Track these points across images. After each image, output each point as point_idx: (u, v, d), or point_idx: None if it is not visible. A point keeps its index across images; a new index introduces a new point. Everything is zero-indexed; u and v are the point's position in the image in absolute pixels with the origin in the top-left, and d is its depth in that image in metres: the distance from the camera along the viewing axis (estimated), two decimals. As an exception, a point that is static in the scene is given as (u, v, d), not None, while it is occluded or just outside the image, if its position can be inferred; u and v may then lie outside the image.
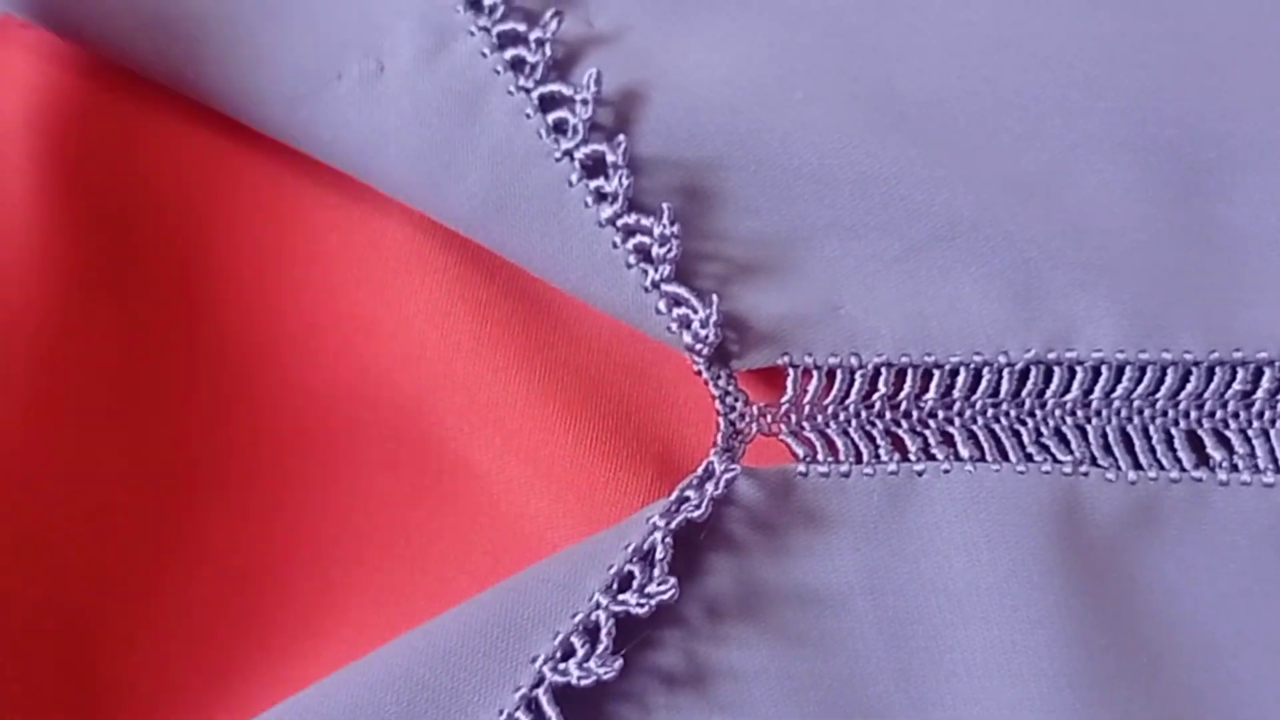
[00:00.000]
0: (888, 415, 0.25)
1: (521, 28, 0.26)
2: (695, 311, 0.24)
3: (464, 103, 0.26)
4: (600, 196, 0.25)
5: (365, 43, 0.27)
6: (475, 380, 0.27)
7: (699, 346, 0.24)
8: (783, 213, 0.25)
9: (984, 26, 0.26)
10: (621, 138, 0.25)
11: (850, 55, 0.26)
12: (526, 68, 0.26)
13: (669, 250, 0.24)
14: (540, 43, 0.26)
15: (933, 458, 0.25)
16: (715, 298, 0.24)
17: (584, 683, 0.22)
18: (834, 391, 0.25)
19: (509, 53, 0.26)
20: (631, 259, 0.25)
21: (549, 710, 0.22)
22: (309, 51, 0.27)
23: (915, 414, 0.25)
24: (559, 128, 0.26)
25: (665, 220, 0.25)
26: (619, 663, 0.22)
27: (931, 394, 0.25)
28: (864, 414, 0.25)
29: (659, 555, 0.23)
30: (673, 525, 0.24)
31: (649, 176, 0.25)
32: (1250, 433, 0.25)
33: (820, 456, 0.25)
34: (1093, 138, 0.26)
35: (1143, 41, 0.26)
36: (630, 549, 0.24)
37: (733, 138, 0.26)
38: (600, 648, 0.23)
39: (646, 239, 0.25)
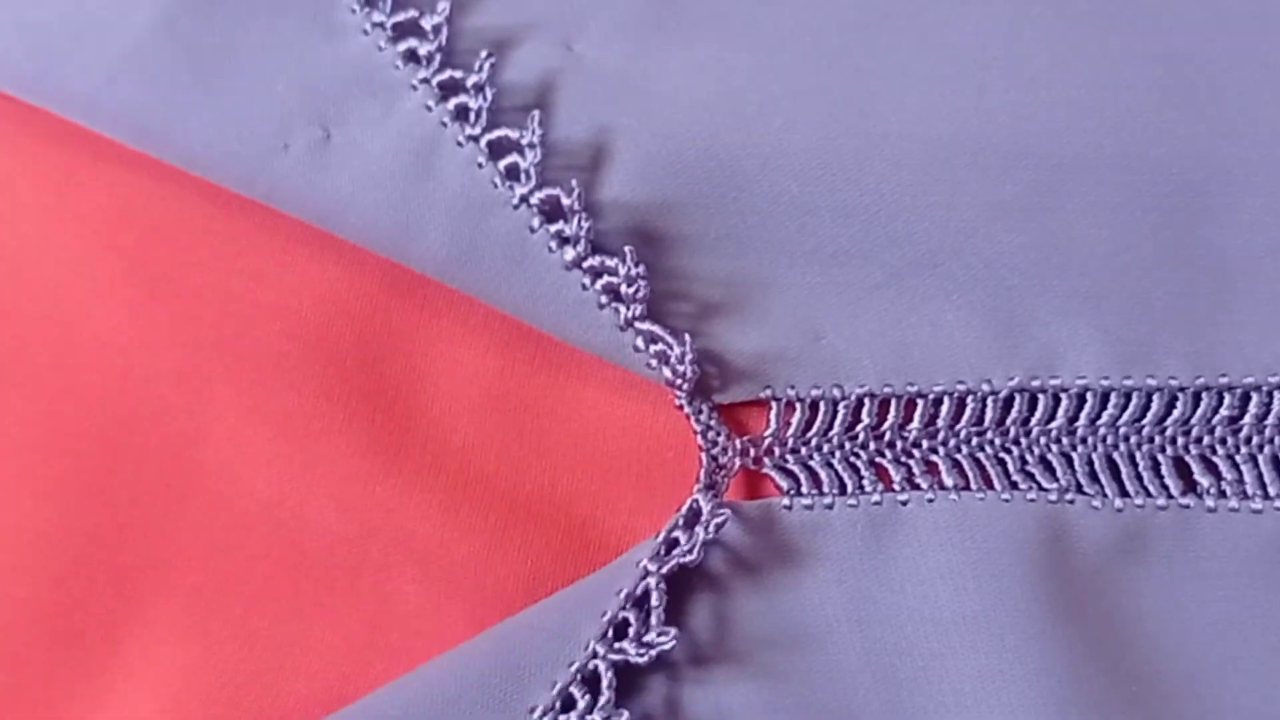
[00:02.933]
0: (871, 446, 0.25)
1: (459, 74, 0.26)
2: (671, 349, 0.24)
3: (416, 160, 0.26)
4: (563, 240, 0.25)
5: (309, 111, 0.26)
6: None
7: (678, 382, 0.25)
8: (763, 240, 0.25)
9: (968, 48, 0.26)
10: (574, 183, 0.25)
11: (832, 78, 0.26)
12: (471, 115, 0.26)
13: (637, 291, 0.24)
14: (479, 88, 0.26)
15: (917, 487, 0.25)
16: (688, 337, 0.24)
17: None
18: (817, 423, 0.25)
19: (453, 102, 0.26)
20: (603, 299, 0.25)
21: None
22: (254, 123, 0.26)
23: (899, 444, 0.25)
24: (512, 174, 0.25)
25: (629, 262, 0.24)
26: (625, 716, 0.23)
27: (915, 424, 0.25)
28: (847, 445, 0.25)
29: (654, 602, 0.23)
30: (664, 570, 0.24)
31: (617, 215, 0.25)
32: (1238, 458, 0.25)
33: (804, 489, 0.25)
34: (1078, 159, 0.25)
35: (1128, 63, 0.26)
36: (623, 595, 0.24)
37: (712, 165, 0.25)
38: (602, 700, 0.23)
39: (615, 279, 0.25)
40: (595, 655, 0.23)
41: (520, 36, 0.27)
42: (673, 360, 0.24)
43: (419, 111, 0.26)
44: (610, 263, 0.25)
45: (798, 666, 0.24)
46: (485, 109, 0.25)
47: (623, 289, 0.25)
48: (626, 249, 0.24)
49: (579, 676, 0.23)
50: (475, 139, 0.25)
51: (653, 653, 0.23)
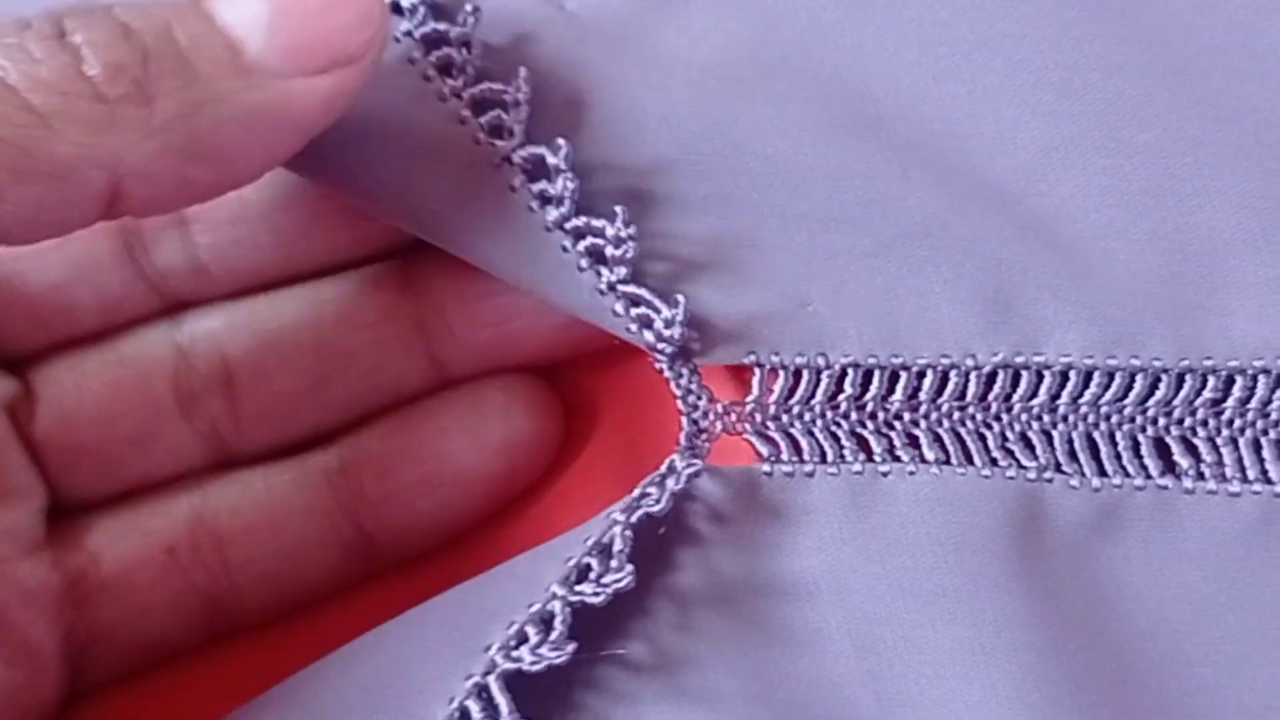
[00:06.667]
0: (853, 416, 0.25)
1: (443, 27, 0.25)
2: (657, 312, 0.24)
3: (396, 113, 0.25)
4: (545, 200, 0.24)
5: None
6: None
7: (661, 346, 0.24)
8: (753, 201, 0.25)
9: (960, 28, 0.26)
10: (561, 141, 0.24)
11: (826, 54, 0.26)
12: (454, 70, 0.25)
13: (624, 252, 0.24)
14: (463, 42, 0.25)
15: (898, 460, 0.25)
16: (681, 299, 0.24)
17: (535, 668, 0.22)
18: (799, 391, 0.25)
19: (435, 55, 0.25)
20: (584, 262, 0.24)
21: (498, 697, 0.22)
22: None
23: (881, 415, 0.25)
24: (495, 131, 0.25)
25: (620, 223, 0.24)
26: (571, 646, 0.22)
27: (898, 396, 0.25)
28: (829, 414, 0.25)
29: (617, 547, 0.23)
30: (632, 519, 0.24)
31: (605, 176, 0.25)
32: (1219, 441, 0.25)
33: (785, 456, 0.25)
34: (1068, 141, 0.25)
35: (1117, 47, 0.26)
36: (590, 542, 0.23)
37: (707, 123, 0.25)
38: (554, 634, 0.22)
39: (599, 241, 0.24)
40: (554, 597, 0.23)
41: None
42: (657, 325, 0.24)
43: (402, 63, 0.25)
44: (596, 224, 0.24)
45: (778, 627, 0.24)
46: (470, 63, 0.25)
47: (608, 250, 0.24)
48: (618, 209, 0.24)
49: (537, 617, 0.23)
50: (458, 94, 0.24)
51: (608, 591, 0.23)
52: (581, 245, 0.24)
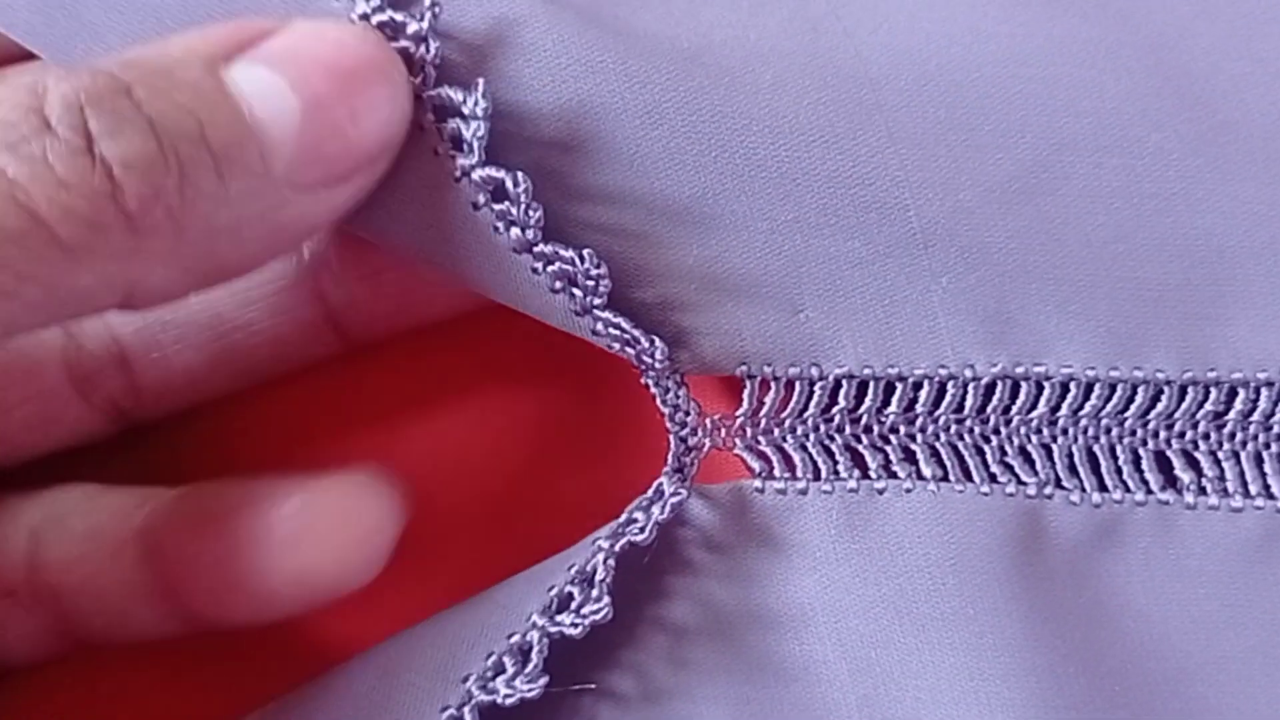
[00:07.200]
0: (847, 429, 0.24)
1: (400, 17, 0.21)
2: (635, 344, 0.23)
3: None
4: (510, 222, 0.22)
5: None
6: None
7: (643, 366, 0.23)
8: (742, 204, 0.23)
9: (963, 19, 0.25)
10: (520, 175, 0.21)
11: (820, 44, 0.24)
12: (413, 66, 0.21)
13: (596, 285, 0.22)
14: (420, 38, 0.21)
15: (894, 475, 0.24)
16: (658, 341, 0.23)
17: (509, 701, 0.21)
18: (792, 403, 0.24)
19: (394, 46, 0.21)
20: (557, 284, 0.22)
21: None
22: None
23: (876, 428, 0.24)
24: (456, 143, 0.21)
25: (590, 263, 0.22)
26: (544, 680, 0.21)
27: (893, 408, 0.24)
28: (823, 428, 0.24)
29: (599, 576, 0.22)
30: (616, 547, 0.22)
31: (582, 176, 0.23)
32: (1220, 454, 0.24)
33: (777, 472, 0.24)
34: (1076, 140, 0.24)
35: (1124, 47, 0.25)
36: (573, 570, 0.22)
37: (693, 119, 0.23)
38: (529, 666, 0.22)
39: (571, 269, 0.22)
40: (534, 626, 0.22)
41: None
42: (638, 350, 0.23)
43: None
44: (565, 253, 0.22)
45: (771, 657, 0.23)
46: (429, 62, 0.21)
47: (579, 279, 0.22)
48: (585, 251, 0.22)
49: (516, 648, 0.22)
50: (419, 97, 0.21)
51: (586, 623, 0.22)
52: (551, 269, 0.22)
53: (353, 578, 0.24)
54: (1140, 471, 0.24)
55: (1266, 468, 0.24)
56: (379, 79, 0.21)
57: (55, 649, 0.25)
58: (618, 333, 0.23)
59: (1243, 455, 0.24)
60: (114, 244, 0.18)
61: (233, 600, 0.24)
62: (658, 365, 0.23)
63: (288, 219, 0.20)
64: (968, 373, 0.24)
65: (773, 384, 0.24)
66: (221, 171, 0.19)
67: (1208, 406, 0.24)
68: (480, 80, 0.21)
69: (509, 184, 0.21)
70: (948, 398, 0.24)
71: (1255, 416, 0.24)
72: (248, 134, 0.19)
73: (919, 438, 0.24)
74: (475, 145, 0.21)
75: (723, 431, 0.24)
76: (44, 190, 0.18)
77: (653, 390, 0.24)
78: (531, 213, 0.22)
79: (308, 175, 0.20)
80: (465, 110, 0.21)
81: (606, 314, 0.22)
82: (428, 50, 0.21)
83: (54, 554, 0.25)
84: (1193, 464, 0.24)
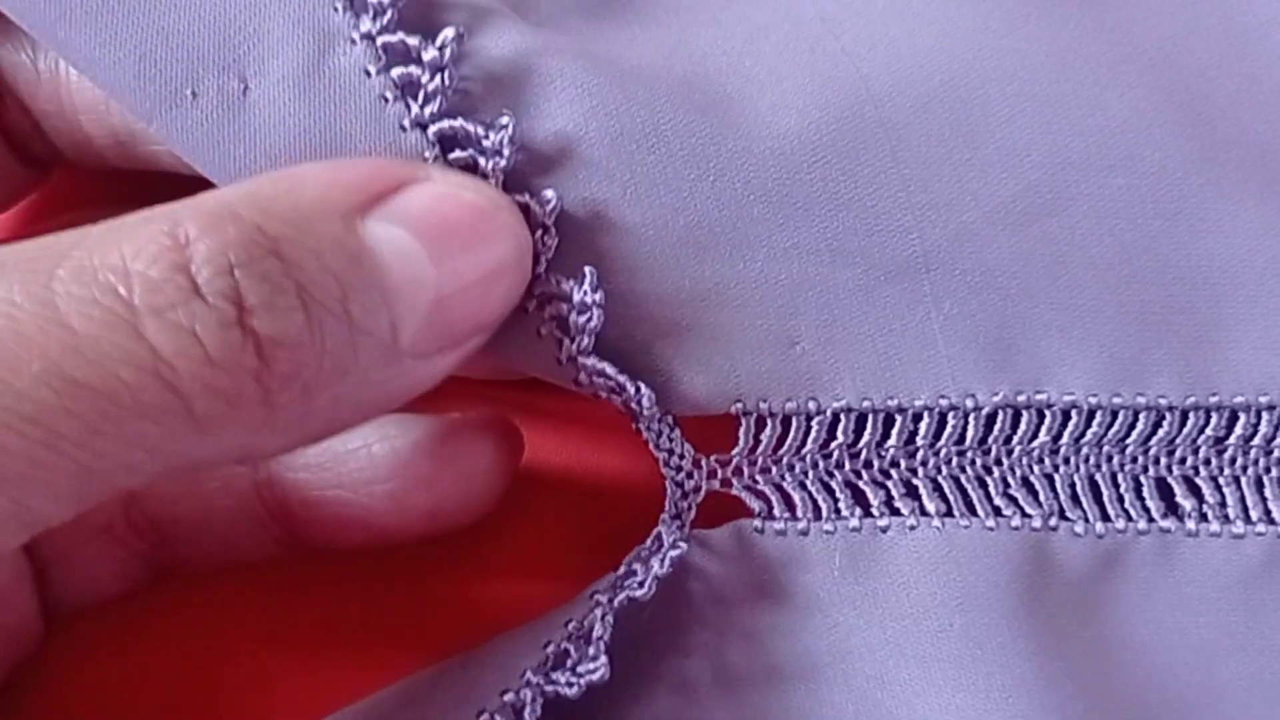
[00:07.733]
0: (847, 465, 0.23)
1: (414, 41, 0.20)
2: (621, 393, 0.21)
3: (345, 138, 0.20)
4: None
5: (225, 54, 0.20)
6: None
7: (631, 412, 0.22)
8: (738, 232, 0.22)
9: (964, 35, 0.24)
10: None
11: (817, 63, 0.23)
12: (421, 95, 0.20)
13: (589, 319, 0.21)
14: (437, 69, 0.20)
15: (896, 511, 0.23)
16: (645, 389, 0.21)
17: None
18: (789, 440, 0.23)
19: (398, 71, 0.20)
20: (544, 329, 0.21)
21: None
22: (156, 63, 0.20)
23: (876, 463, 0.23)
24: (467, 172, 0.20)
25: (587, 287, 0.21)
26: None
27: (893, 441, 0.23)
28: (822, 464, 0.23)
29: (596, 633, 0.21)
30: (614, 603, 0.21)
31: (577, 235, 0.21)
32: (1221, 480, 0.24)
33: (776, 511, 0.23)
34: (1080, 159, 0.23)
35: (1126, 64, 0.24)
36: (570, 626, 0.21)
37: (691, 143, 0.22)
38: None
39: (564, 305, 0.21)
40: (528, 684, 0.21)
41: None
42: (625, 398, 0.22)
43: (356, 75, 0.20)
44: (565, 285, 0.21)
45: (783, 709, 0.22)
46: (441, 94, 0.20)
47: (572, 317, 0.21)
48: (587, 269, 0.21)
49: (509, 706, 0.21)
50: (423, 126, 0.20)
51: (581, 683, 0.21)
52: (545, 312, 0.21)
53: (467, 512, 0.25)
54: (1142, 499, 0.24)
55: (1267, 492, 0.24)
56: (509, 249, 0.20)
57: (141, 578, 0.26)
58: (603, 380, 0.21)
59: (1243, 480, 0.24)
60: (245, 418, 0.17)
61: (346, 529, 0.25)
62: (645, 412, 0.22)
63: (400, 385, 0.19)
64: (969, 402, 0.23)
65: (769, 420, 0.23)
66: (356, 344, 0.18)
67: (1209, 431, 0.24)
68: (506, 117, 0.21)
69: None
70: (949, 429, 0.23)
71: (1256, 441, 0.24)
72: (383, 304, 0.18)
73: (920, 471, 0.23)
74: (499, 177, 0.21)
75: (719, 473, 0.23)
76: (189, 366, 0.16)
77: (644, 435, 0.22)
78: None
79: (431, 346, 0.19)
80: (486, 143, 0.20)
81: (590, 360, 0.21)
82: (442, 80, 0.20)
83: (158, 487, 0.25)
84: (1194, 490, 0.24)
